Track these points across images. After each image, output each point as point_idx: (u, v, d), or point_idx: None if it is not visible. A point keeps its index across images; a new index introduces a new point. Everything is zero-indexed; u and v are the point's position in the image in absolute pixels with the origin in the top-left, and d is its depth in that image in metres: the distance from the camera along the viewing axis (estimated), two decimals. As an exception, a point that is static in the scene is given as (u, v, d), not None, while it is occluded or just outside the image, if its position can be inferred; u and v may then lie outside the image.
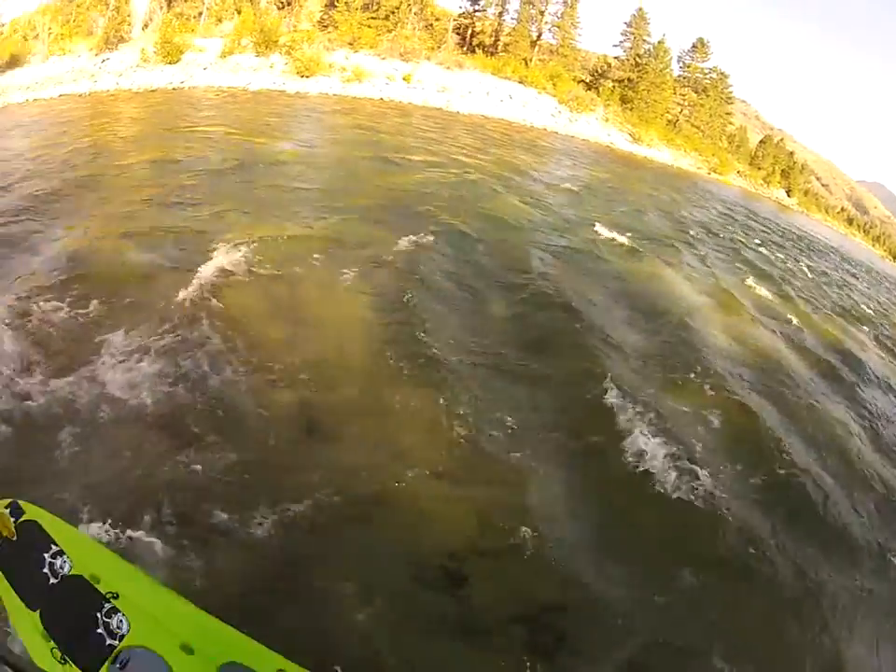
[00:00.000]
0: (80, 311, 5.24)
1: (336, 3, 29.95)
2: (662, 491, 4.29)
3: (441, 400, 4.54)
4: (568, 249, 9.77)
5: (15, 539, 2.35)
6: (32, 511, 2.53)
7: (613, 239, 11.05)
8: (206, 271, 6.07)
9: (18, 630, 2.13)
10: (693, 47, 39.10)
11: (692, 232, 15.20)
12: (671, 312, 7.85)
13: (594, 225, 11.73)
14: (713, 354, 6.99)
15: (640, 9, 37.37)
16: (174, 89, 29.27)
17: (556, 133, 30.20)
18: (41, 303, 5.26)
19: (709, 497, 4.36)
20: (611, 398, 5.09)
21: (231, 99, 26.81)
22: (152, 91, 29.18)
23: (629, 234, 11.61)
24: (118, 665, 1.99)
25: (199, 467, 3.62)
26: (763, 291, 11.17)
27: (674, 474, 4.39)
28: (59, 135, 17.30)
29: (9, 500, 2.57)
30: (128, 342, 4.74)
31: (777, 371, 7.28)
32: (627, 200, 17.51)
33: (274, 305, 5.76)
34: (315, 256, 6.99)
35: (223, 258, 6.44)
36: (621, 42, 35.00)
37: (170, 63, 29.82)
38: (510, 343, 5.86)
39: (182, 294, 5.55)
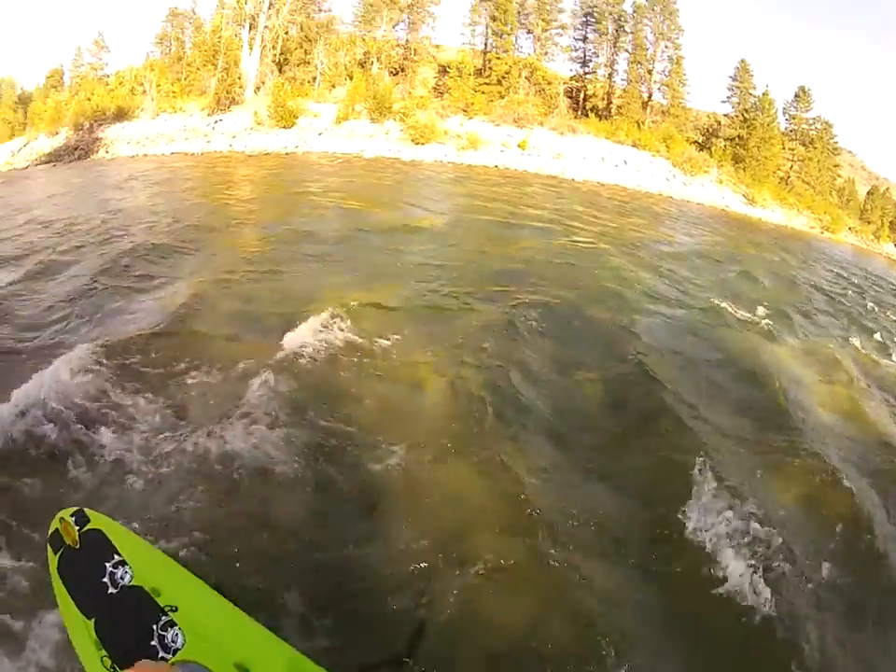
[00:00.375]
0: (187, 370, 5.28)
1: (448, 69, 29.88)
2: (749, 612, 3.64)
3: (515, 487, 4.26)
4: (676, 319, 9.34)
5: (78, 547, 2.35)
6: (97, 520, 2.52)
7: (722, 306, 10.43)
8: (308, 336, 6.04)
9: (72, 637, 2.11)
10: (796, 96, 37.69)
11: (803, 296, 14.25)
12: (777, 386, 7.15)
13: (703, 292, 11.19)
14: (820, 434, 6.22)
15: (743, 61, 36.28)
16: (287, 153, 29.68)
17: (671, 197, 29.30)
18: (156, 360, 5.34)
19: (807, 621, 3.62)
20: (700, 491, 4.51)
21: (346, 165, 26.95)
22: (266, 154, 29.64)
23: (738, 301, 10.97)
24: None
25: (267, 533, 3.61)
26: (875, 357, 10.21)
27: (764, 588, 3.73)
28: (177, 191, 17.82)
29: (76, 508, 2.58)
30: (243, 404, 4.72)
31: (892, 455, 6.38)
32: (739, 264, 16.65)
33: (369, 376, 5.65)
34: (417, 326, 6.89)
35: (326, 324, 6.41)
36: (728, 98, 33.95)
37: (284, 128, 30.20)
38: (601, 424, 5.49)
39: (284, 359, 5.50)
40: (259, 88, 32.25)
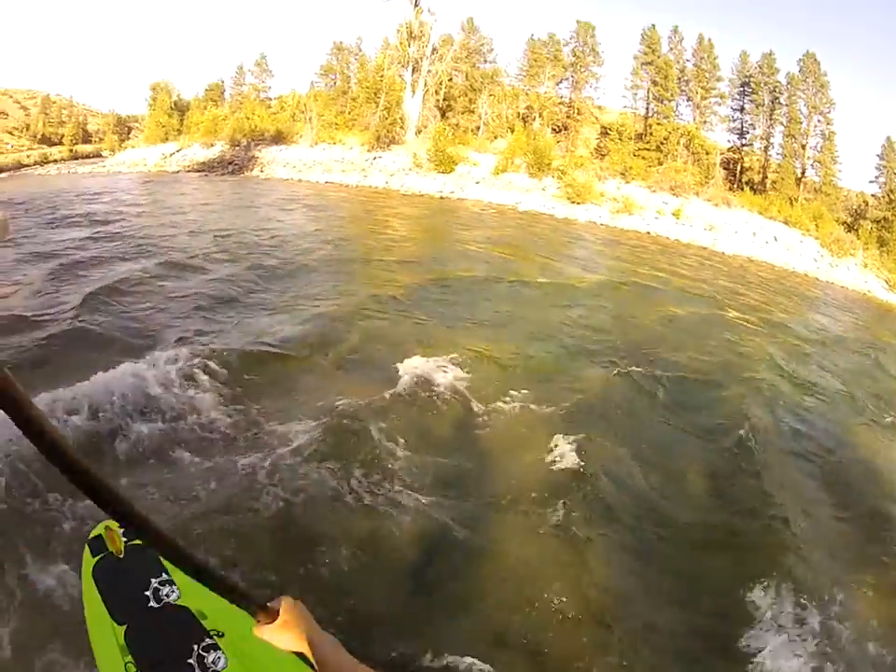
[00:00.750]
0: (293, 396, 5.44)
1: (609, 131, 31.02)
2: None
3: (590, 576, 4.06)
4: (806, 407, 9.09)
5: (122, 556, 2.26)
6: None
7: (855, 397, 10.19)
8: (432, 379, 6.20)
9: (93, 639, 2.04)
10: (936, 176, 36.77)
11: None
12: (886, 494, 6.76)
13: (838, 381, 10.86)
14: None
15: (889, 139, 35.71)
16: (442, 197, 31.17)
17: (817, 279, 29.19)
18: (265, 379, 5.55)
19: None
20: (782, 608, 4.25)
21: (499, 216, 28.15)
22: (420, 195, 31.24)
23: (872, 394, 10.68)
24: None
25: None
26: None
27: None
28: (334, 220, 19.20)
29: None
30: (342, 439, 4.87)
31: None
32: (880, 354, 15.93)
33: (480, 427, 5.73)
34: (545, 383, 6.90)
35: (453, 368, 6.48)
36: (876, 178, 33.63)
37: (442, 173, 31.95)
38: (697, 514, 5.24)
39: (398, 399, 5.66)
40: (420, 130, 34.15)
